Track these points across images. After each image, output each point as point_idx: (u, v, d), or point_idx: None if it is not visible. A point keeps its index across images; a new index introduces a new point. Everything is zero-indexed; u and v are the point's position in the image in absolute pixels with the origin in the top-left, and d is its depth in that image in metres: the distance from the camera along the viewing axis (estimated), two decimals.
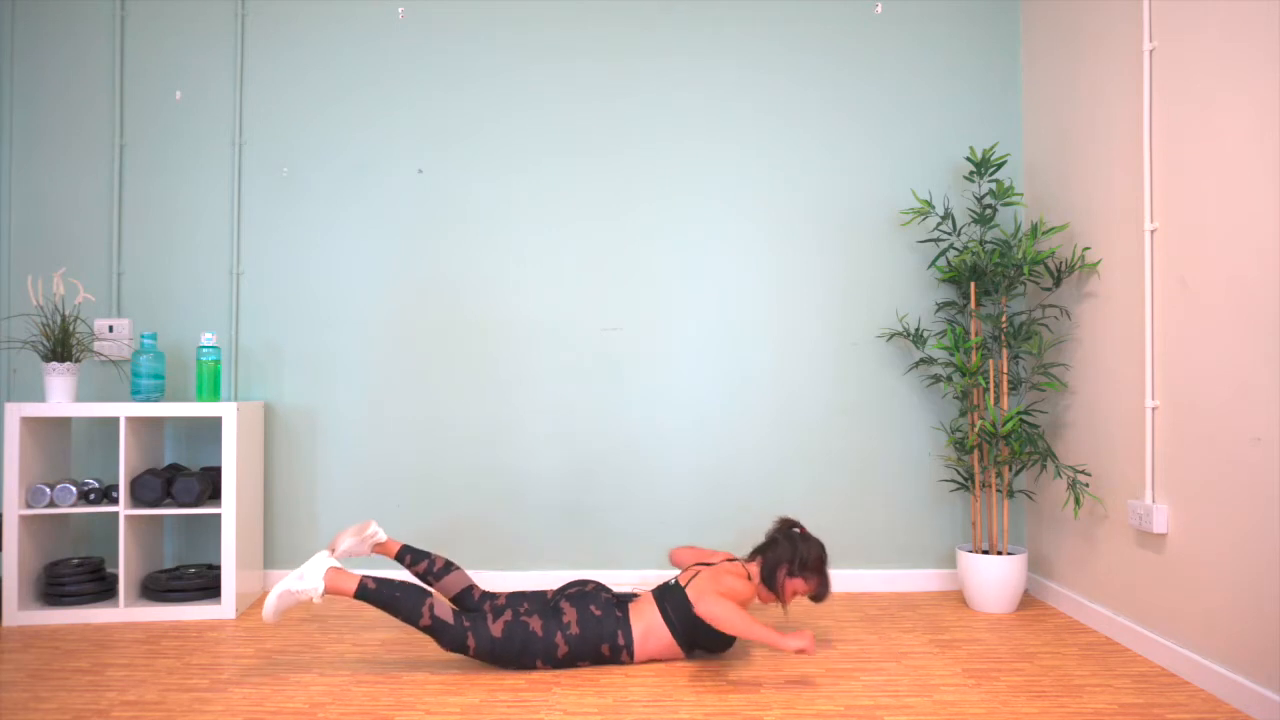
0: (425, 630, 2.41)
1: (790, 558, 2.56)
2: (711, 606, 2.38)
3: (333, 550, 2.64)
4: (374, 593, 2.39)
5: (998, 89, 3.47)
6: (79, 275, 3.38)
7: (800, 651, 2.31)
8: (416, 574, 2.66)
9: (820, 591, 2.61)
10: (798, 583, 2.57)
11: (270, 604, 2.37)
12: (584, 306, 3.42)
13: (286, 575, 2.43)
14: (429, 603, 2.41)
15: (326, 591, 2.39)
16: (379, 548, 2.68)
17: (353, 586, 2.39)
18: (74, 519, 3.34)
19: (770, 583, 2.57)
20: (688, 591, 2.52)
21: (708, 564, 2.65)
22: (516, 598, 2.62)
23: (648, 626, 2.52)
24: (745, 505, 3.41)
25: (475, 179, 3.43)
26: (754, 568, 2.62)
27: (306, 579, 2.38)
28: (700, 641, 2.53)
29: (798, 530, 2.65)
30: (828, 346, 3.43)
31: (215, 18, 3.43)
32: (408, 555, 2.67)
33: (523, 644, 2.43)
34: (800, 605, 3.20)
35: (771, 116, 3.45)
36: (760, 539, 3.38)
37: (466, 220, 3.42)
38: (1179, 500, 2.49)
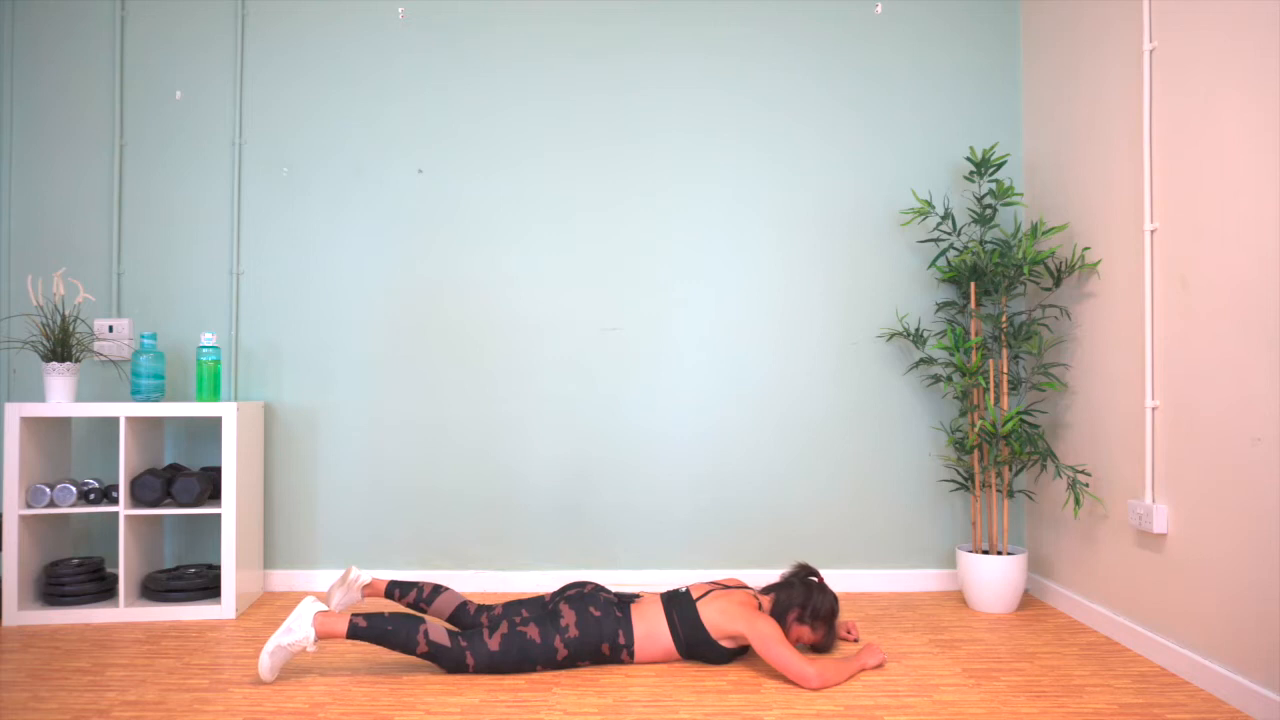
0: (424, 657, 2.41)
1: (804, 604, 2.56)
2: (801, 668, 2.34)
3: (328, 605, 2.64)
4: (366, 630, 2.38)
5: (998, 89, 3.47)
6: (79, 275, 3.38)
7: (881, 664, 2.51)
8: (407, 604, 2.66)
9: (825, 644, 2.61)
10: (804, 630, 2.58)
11: (264, 663, 2.35)
12: (584, 306, 3.42)
13: (274, 632, 2.41)
14: (423, 629, 2.40)
15: (318, 638, 2.37)
16: (367, 590, 2.67)
17: (344, 628, 2.38)
18: (74, 519, 3.34)
19: (779, 621, 2.56)
20: (702, 611, 2.50)
21: (721, 584, 2.65)
22: (513, 606, 2.61)
23: (650, 630, 2.51)
24: (745, 505, 3.41)
25: (475, 179, 3.43)
26: (766, 601, 2.61)
27: (295, 631, 2.36)
28: (701, 654, 2.53)
29: (815, 579, 2.65)
30: (828, 346, 3.43)
31: (215, 18, 3.43)
32: (396, 590, 2.66)
33: (520, 653, 2.43)
34: None
35: (772, 116, 3.45)
36: (757, 539, 3.39)
37: (466, 220, 3.42)
38: (1179, 500, 2.49)
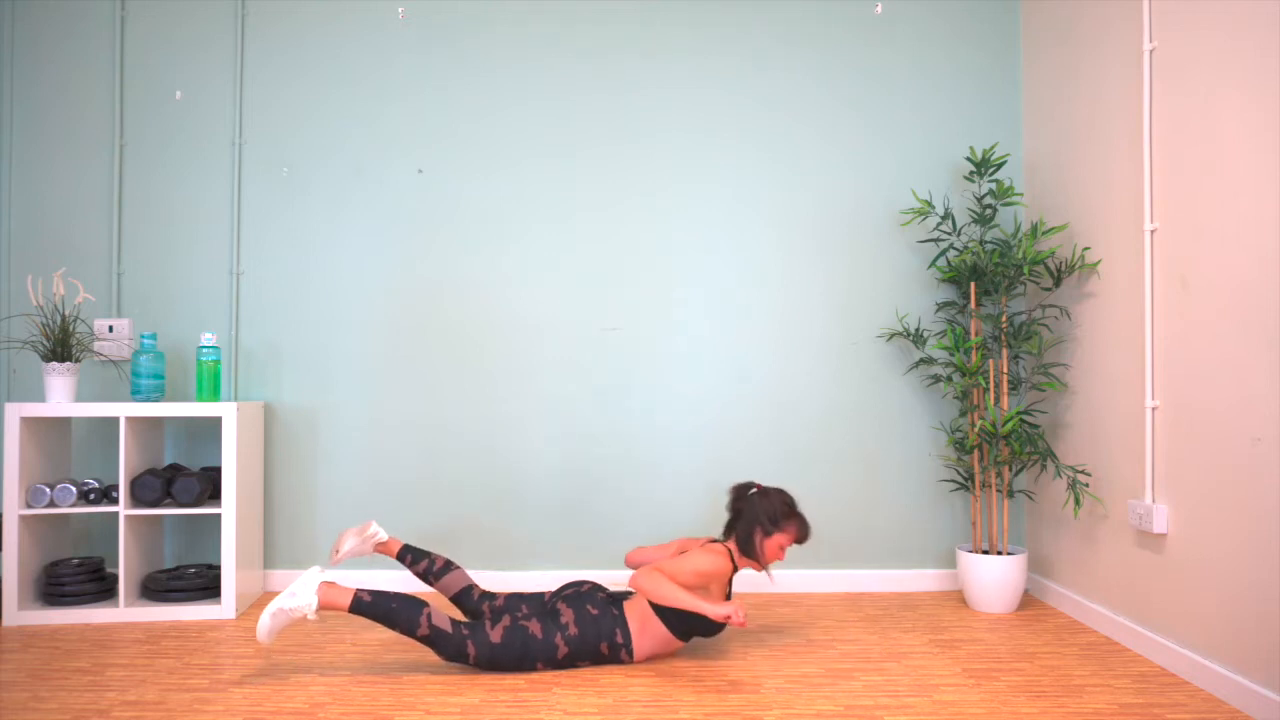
0: (423, 640, 2.40)
1: (759, 519, 2.57)
2: (639, 580, 2.43)
3: (336, 551, 2.65)
4: (369, 605, 2.38)
5: (998, 89, 3.47)
6: (79, 275, 3.38)
7: (726, 619, 2.37)
8: (417, 573, 2.67)
9: (802, 534, 2.61)
10: (779, 538, 2.57)
11: (264, 625, 2.35)
12: (583, 306, 3.42)
13: (278, 595, 2.40)
14: (426, 612, 2.40)
15: (320, 607, 2.37)
16: (380, 547, 2.69)
17: (347, 601, 2.38)
18: (74, 519, 3.34)
19: (751, 551, 2.57)
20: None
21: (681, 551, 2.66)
22: (515, 600, 2.62)
23: (643, 621, 2.52)
24: None
25: (475, 179, 3.43)
26: (732, 544, 2.62)
27: (299, 596, 2.36)
28: (695, 628, 2.54)
29: (755, 490, 2.64)
30: (827, 346, 3.43)
31: (215, 18, 3.43)
32: (408, 555, 2.68)
33: (522, 648, 2.43)
34: (802, 606, 3.20)
35: (772, 116, 3.45)
36: None
37: (466, 220, 3.42)
38: (1179, 500, 2.50)
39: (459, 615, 3.04)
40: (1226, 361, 2.29)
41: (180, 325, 3.40)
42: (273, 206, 3.42)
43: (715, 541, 2.64)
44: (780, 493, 2.62)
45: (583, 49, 3.44)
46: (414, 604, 2.41)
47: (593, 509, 3.40)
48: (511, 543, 3.40)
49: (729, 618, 2.37)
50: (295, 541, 3.39)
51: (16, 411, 2.95)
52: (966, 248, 3.21)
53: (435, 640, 2.40)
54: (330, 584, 2.40)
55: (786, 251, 3.44)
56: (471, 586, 2.65)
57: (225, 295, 3.41)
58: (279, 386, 3.40)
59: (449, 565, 2.67)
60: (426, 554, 2.68)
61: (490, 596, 2.63)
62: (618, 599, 2.59)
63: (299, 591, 2.37)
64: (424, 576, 2.66)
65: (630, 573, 3.36)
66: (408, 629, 2.39)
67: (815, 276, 3.44)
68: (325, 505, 3.39)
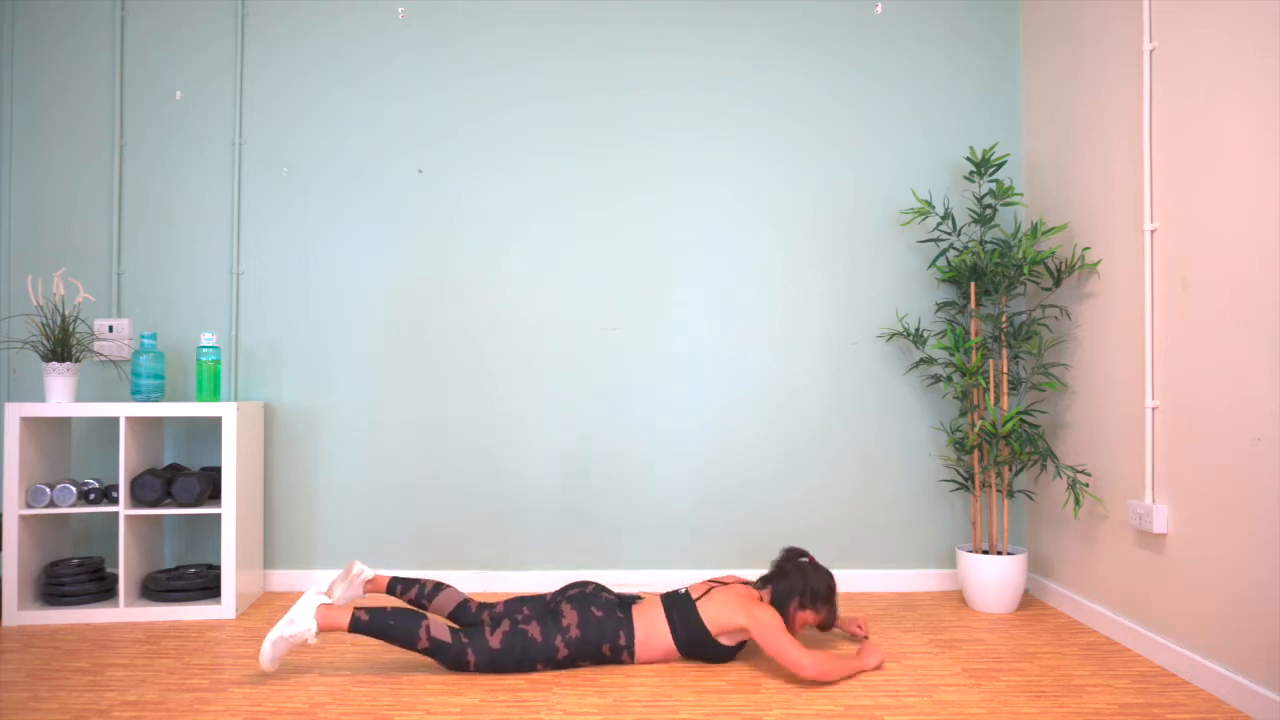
0: (425, 653, 2.41)
1: (802, 589, 2.58)
2: (799, 658, 2.36)
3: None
4: (368, 624, 2.39)
5: (998, 89, 3.47)
6: (79, 275, 3.38)
7: (880, 666, 2.51)
8: (409, 601, 2.67)
9: (828, 620, 2.64)
10: (808, 614, 2.60)
11: (266, 653, 2.35)
12: (583, 306, 3.42)
13: (277, 623, 2.42)
14: (425, 624, 2.40)
15: (320, 630, 2.38)
16: (369, 585, 2.69)
17: (345, 621, 2.38)
18: (74, 519, 3.34)
19: (781, 612, 2.58)
20: (701, 609, 2.51)
21: (720, 581, 2.65)
22: (515, 604, 2.62)
23: (651, 631, 2.52)
24: (745, 506, 3.40)
25: (475, 179, 3.43)
26: (765, 594, 2.62)
27: (297, 622, 2.37)
28: (701, 654, 2.54)
29: (806, 560, 2.66)
30: (827, 346, 3.43)
31: (215, 18, 3.43)
32: (398, 586, 2.69)
33: (522, 651, 2.43)
34: None
35: (772, 116, 3.45)
36: (757, 539, 3.39)
37: (466, 220, 3.42)
38: (1179, 500, 2.50)
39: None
40: (1226, 361, 2.29)
41: (180, 325, 3.40)
42: (273, 206, 3.42)
43: (744, 583, 2.65)
44: (828, 574, 2.64)
45: (583, 49, 3.44)
46: (412, 617, 2.41)
47: (592, 509, 3.40)
48: (512, 542, 3.40)
49: (881, 665, 2.52)
50: (295, 541, 3.39)
51: (16, 411, 2.95)
52: (966, 248, 3.21)
53: (436, 651, 2.40)
54: (328, 606, 2.41)
55: (786, 251, 3.44)
56: (466, 601, 2.64)
57: (225, 295, 3.41)
58: (279, 386, 3.40)
59: (439, 586, 2.67)
60: (415, 581, 2.68)
61: (489, 607, 2.63)
62: (626, 602, 2.59)
63: (297, 618, 2.38)
64: (416, 603, 2.66)
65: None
66: (407, 643, 2.39)
67: (815, 276, 3.44)
68: (325, 505, 3.39)
